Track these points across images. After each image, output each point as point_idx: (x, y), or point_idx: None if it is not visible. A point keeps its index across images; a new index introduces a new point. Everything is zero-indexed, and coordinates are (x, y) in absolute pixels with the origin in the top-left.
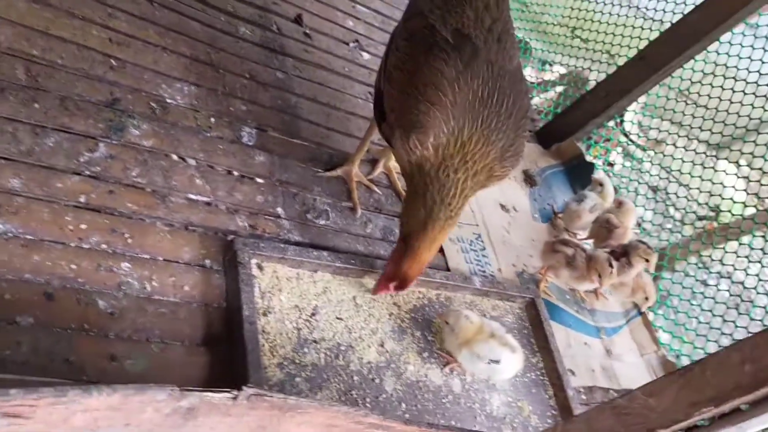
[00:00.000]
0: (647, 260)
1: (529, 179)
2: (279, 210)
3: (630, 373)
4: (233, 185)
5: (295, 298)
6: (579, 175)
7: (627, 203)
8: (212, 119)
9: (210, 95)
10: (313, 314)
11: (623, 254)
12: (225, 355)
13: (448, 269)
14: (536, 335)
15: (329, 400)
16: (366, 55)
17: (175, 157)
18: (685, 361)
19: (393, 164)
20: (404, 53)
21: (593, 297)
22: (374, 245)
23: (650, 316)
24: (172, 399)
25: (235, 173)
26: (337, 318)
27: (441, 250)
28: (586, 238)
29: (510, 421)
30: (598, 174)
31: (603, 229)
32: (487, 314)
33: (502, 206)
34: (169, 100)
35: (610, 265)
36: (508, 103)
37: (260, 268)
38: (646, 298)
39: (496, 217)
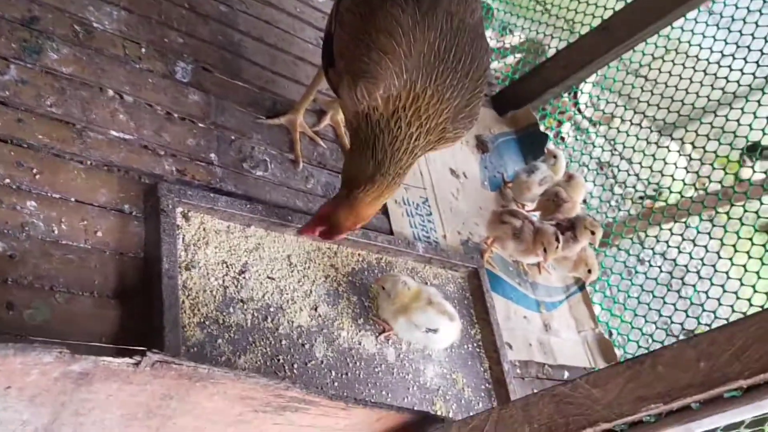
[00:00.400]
0: (593, 233)
1: (481, 145)
2: (212, 156)
3: (566, 350)
4: (162, 124)
5: (223, 253)
6: (532, 144)
7: (577, 177)
8: (143, 49)
9: (142, 23)
10: (242, 272)
11: (569, 228)
12: (139, 310)
13: (391, 232)
14: (476, 306)
15: (250, 367)
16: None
17: (97, 87)
18: (620, 340)
19: (341, 117)
20: None
21: (536, 270)
22: (315, 202)
23: (590, 292)
24: (61, 362)
25: (165, 111)
26: (269, 277)
27: (385, 212)
28: (533, 210)
29: (443, 394)
30: (553, 146)
31: (551, 202)
32: (429, 282)
33: (452, 171)
34: (95, 24)
35: (557, 240)
36: (465, 60)
37: (186, 217)
38: (589, 271)
39: (445, 182)
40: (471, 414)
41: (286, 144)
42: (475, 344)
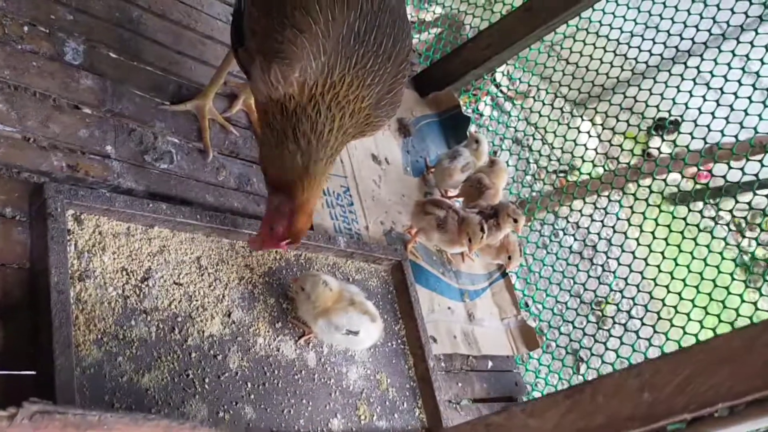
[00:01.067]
0: (515, 221)
1: (403, 129)
2: (108, 148)
3: (489, 338)
4: (49, 114)
5: (122, 259)
6: (454, 127)
7: (499, 163)
8: (25, 28)
9: None
10: (144, 279)
11: (492, 215)
12: (25, 329)
13: (310, 227)
14: (400, 301)
15: (155, 386)
16: None
17: None
18: (535, 309)
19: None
20: None
21: (459, 259)
22: (227, 196)
23: (512, 279)
24: None
25: (53, 99)
26: (175, 283)
27: None
28: (456, 197)
29: (367, 396)
30: (475, 131)
31: (474, 188)
32: (351, 278)
33: (374, 157)
34: None
35: (482, 230)
36: (387, 43)
37: (78, 221)
38: (509, 258)
39: (367, 169)
40: (395, 415)
41: (193, 133)
42: (399, 341)
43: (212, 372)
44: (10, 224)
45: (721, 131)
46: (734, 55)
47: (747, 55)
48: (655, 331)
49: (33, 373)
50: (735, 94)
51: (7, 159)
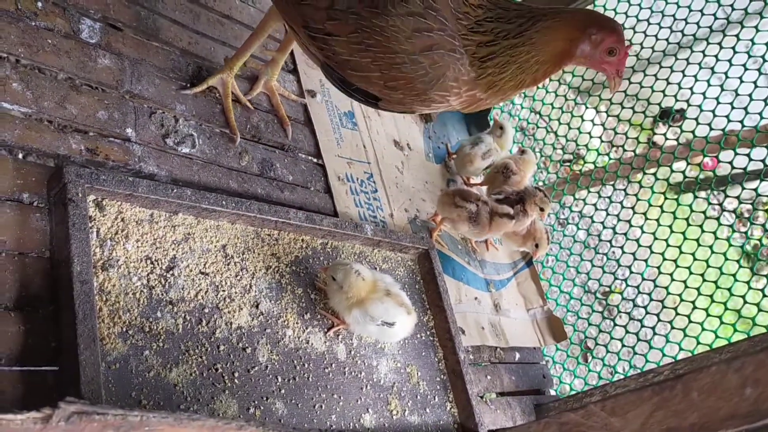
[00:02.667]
0: (542, 209)
1: (423, 114)
2: (129, 131)
3: (516, 330)
4: (66, 94)
5: (146, 247)
6: (475, 113)
7: (529, 153)
8: (39, 3)
9: None
10: (170, 268)
11: (518, 201)
12: (47, 322)
13: (335, 214)
14: (428, 291)
15: (184, 381)
16: None
17: None
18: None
19: (276, 84)
20: None
21: (484, 248)
22: (250, 182)
23: (537, 268)
24: None
25: (70, 78)
26: (201, 273)
27: (328, 191)
28: (480, 184)
29: (398, 390)
30: (500, 117)
31: (500, 174)
32: (378, 267)
33: (396, 142)
34: None
35: (510, 217)
36: None
37: (100, 207)
38: (537, 246)
39: (390, 155)
40: (427, 409)
41: (215, 116)
42: (428, 332)
43: (242, 366)
44: (27, 210)
45: (727, 117)
46: (738, 39)
47: (752, 40)
48: (659, 320)
49: (55, 368)
50: (740, 79)
51: (23, 141)
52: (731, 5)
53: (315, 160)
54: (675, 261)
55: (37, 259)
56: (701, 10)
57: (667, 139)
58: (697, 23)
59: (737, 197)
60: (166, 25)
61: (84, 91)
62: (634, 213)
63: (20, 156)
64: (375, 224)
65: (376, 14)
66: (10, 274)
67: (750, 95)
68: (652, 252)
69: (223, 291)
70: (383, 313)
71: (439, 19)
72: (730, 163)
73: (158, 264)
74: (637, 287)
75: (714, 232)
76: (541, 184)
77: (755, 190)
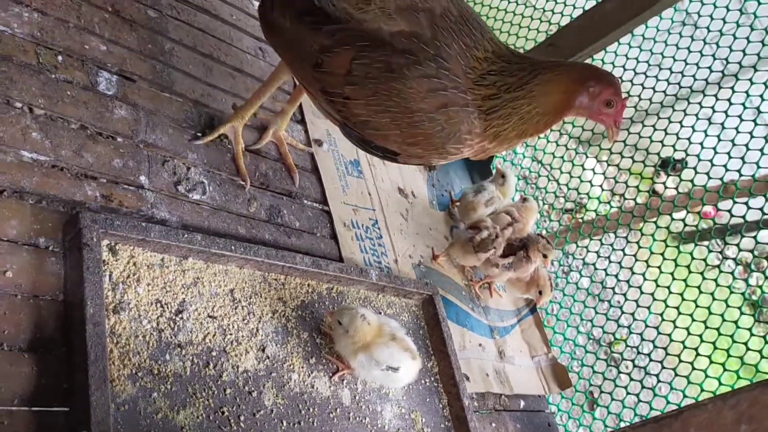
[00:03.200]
0: (545, 256)
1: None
2: (142, 179)
3: (521, 377)
4: (83, 143)
5: (157, 290)
6: (478, 162)
7: (531, 201)
8: (59, 57)
9: (59, 27)
10: (179, 311)
11: (521, 248)
12: (59, 364)
13: (341, 259)
14: (433, 336)
15: (191, 424)
16: (258, 5)
17: (5, 100)
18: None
19: (284, 134)
20: None
21: (487, 294)
22: (258, 228)
23: (541, 315)
24: None
25: (87, 128)
26: (210, 316)
27: (334, 236)
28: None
29: None
30: (503, 166)
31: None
32: (383, 312)
33: (401, 190)
34: (2, 27)
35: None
36: None
37: (113, 251)
38: (540, 293)
39: (394, 202)
40: None
41: (225, 164)
42: (432, 378)
43: (247, 409)
44: (43, 254)
45: (725, 166)
46: (733, 91)
47: (747, 92)
48: (663, 368)
49: (66, 409)
50: (736, 129)
51: (40, 188)
52: (726, 59)
53: (321, 207)
54: (677, 308)
55: (51, 302)
56: (697, 63)
57: (666, 187)
58: (694, 76)
59: (737, 245)
60: (179, 77)
61: (100, 140)
62: (637, 261)
63: (38, 202)
64: (380, 269)
65: (393, 78)
66: (25, 317)
67: (747, 145)
68: (654, 299)
69: (231, 334)
70: (388, 358)
71: (451, 78)
72: (729, 211)
73: (168, 307)
74: (641, 334)
75: (715, 280)
76: (544, 232)
77: (755, 238)
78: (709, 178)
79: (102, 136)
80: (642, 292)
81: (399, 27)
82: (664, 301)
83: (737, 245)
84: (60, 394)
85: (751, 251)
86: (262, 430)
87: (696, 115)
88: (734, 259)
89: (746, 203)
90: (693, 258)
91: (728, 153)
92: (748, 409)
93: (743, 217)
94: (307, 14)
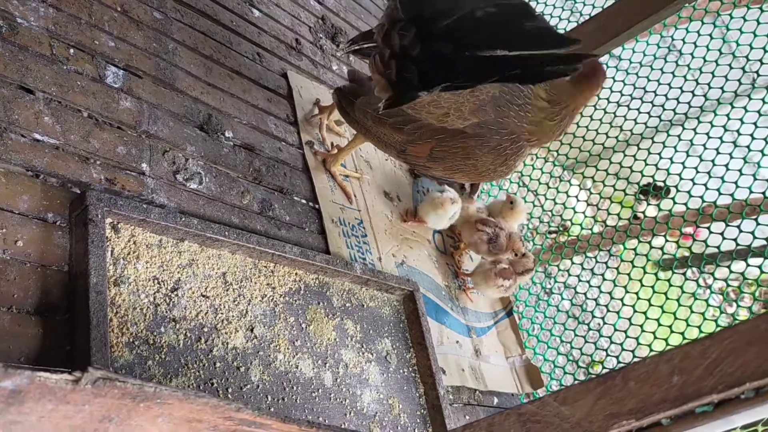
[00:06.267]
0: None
1: (412, 170)
2: (144, 166)
3: (496, 375)
4: (90, 130)
5: (154, 268)
6: None
7: (518, 203)
8: (71, 50)
9: (71, 22)
10: (174, 289)
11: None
12: (63, 328)
13: (328, 252)
14: (412, 330)
15: (187, 389)
16: (256, 12)
17: (20, 87)
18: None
19: (341, 169)
20: None
21: (465, 297)
22: (251, 219)
23: (517, 318)
24: None
25: (94, 116)
26: (203, 295)
27: (322, 232)
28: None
29: (380, 420)
30: (510, 192)
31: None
32: (365, 304)
33: (386, 194)
34: (19, 20)
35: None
36: None
37: (115, 229)
38: (524, 255)
39: (380, 204)
40: None
41: (221, 158)
42: (410, 369)
43: (235, 383)
44: (51, 228)
45: (701, 197)
46: (712, 126)
47: (724, 126)
48: None
49: (68, 371)
50: (713, 161)
51: (50, 168)
52: (704, 95)
53: (311, 204)
54: (653, 333)
55: (57, 272)
56: (677, 98)
57: (646, 216)
58: (674, 110)
59: (712, 274)
60: (181, 75)
61: (106, 128)
62: (615, 286)
63: (47, 180)
64: (364, 264)
65: (467, 156)
66: (32, 283)
67: (722, 178)
68: (631, 324)
69: (222, 314)
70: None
71: (511, 139)
72: (705, 241)
73: (164, 284)
74: (617, 357)
75: (690, 306)
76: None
77: (729, 267)
78: (687, 208)
79: (108, 124)
80: (620, 317)
81: (471, 121)
82: (641, 326)
83: (712, 274)
84: (62, 355)
85: (725, 280)
86: (248, 402)
87: (675, 147)
88: (709, 287)
89: (722, 233)
90: (670, 285)
91: (705, 185)
92: (680, 363)
93: (718, 247)
94: (387, 116)
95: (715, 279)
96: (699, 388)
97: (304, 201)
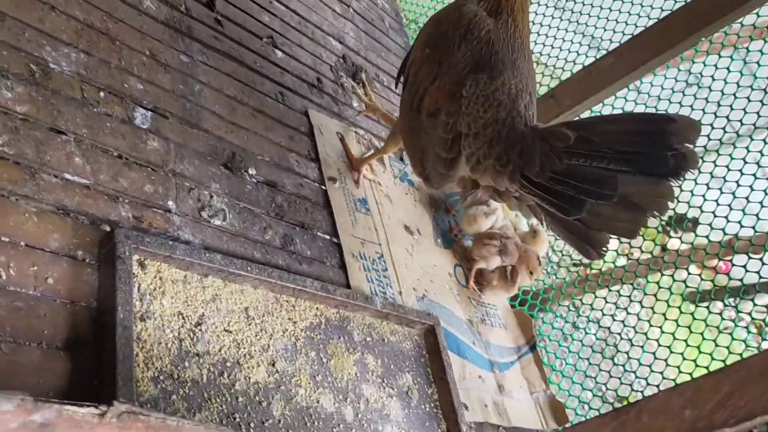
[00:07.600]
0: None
1: (434, 203)
2: (170, 204)
3: (520, 411)
4: (119, 170)
5: (179, 303)
6: None
7: (541, 233)
8: (102, 93)
9: (102, 67)
10: (198, 324)
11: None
12: (90, 363)
13: (348, 286)
14: (433, 365)
15: (209, 423)
16: (279, 53)
17: (52, 129)
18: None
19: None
20: None
21: (487, 329)
22: (272, 254)
23: (541, 353)
24: (23, 411)
25: (123, 157)
26: (226, 330)
27: (342, 266)
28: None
29: None
30: (536, 224)
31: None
32: (385, 338)
33: (407, 227)
34: (52, 65)
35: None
36: None
37: (142, 266)
38: (531, 273)
39: (400, 238)
40: None
41: (244, 195)
42: (432, 404)
43: (257, 417)
44: (80, 265)
45: (722, 229)
46: (748, 151)
47: (761, 151)
48: None
49: (95, 405)
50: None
51: (81, 207)
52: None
53: (331, 239)
54: (678, 368)
55: (85, 308)
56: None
57: (673, 249)
58: (708, 136)
59: (735, 307)
60: (207, 115)
61: (134, 167)
62: (639, 320)
63: (78, 218)
64: (384, 299)
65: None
66: (62, 319)
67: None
68: (656, 358)
69: (244, 348)
70: None
71: None
72: (728, 275)
73: (188, 319)
74: (642, 392)
75: (714, 340)
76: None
77: (752, 300)
78: (708, 240)
79: (136, 164)
80: (644, 351)
81: None
82: (665, 360)
83: (736, 307)
84: (90, 389)
85: (749, 313)
86: None
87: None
88: (733, 321)
89: (744, 266)
90: (694, 319)
91: (726, 217)
92: (692, 396)
93: (741, 280)
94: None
95: (738, 312)
96: (711, 422)
97: (325, 236)
